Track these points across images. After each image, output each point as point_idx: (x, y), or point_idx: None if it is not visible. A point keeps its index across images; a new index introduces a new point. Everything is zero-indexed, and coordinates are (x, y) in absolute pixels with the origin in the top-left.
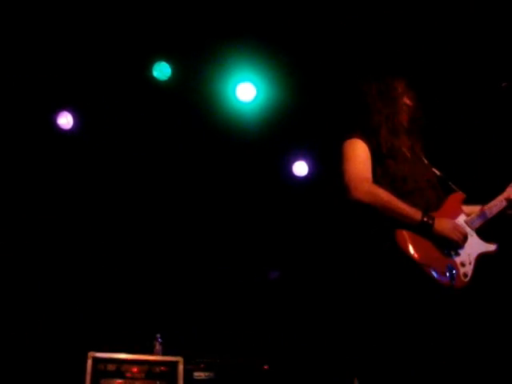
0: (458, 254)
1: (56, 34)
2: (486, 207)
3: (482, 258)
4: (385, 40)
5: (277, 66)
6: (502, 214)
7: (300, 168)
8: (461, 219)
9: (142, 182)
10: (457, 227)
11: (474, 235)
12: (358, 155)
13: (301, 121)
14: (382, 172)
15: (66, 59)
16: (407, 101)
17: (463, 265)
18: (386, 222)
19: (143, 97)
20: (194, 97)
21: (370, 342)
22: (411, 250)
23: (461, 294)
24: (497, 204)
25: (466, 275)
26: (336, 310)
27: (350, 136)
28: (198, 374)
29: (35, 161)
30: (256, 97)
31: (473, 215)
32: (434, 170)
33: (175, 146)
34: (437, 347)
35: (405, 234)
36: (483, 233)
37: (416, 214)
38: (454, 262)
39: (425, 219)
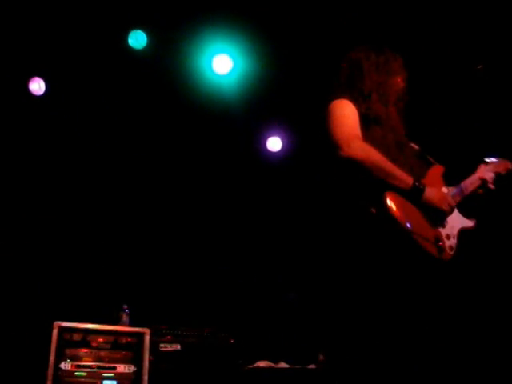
0: (443, 226)
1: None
2: (462, 184)
3: (462, 234)
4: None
5: (254, 38)
6: (475, 192)
7: (274, 143)
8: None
9: (115, 152)
10: (446, 197)
11: (455, 210)
12: (347, 114)
13: (277, 95)
14: (366, 137)
15: (41, 24)
16: (400, 80)
17: (448, 237)
18: (376, 183)
19: (118, 65)
20: (169, 67)
21: (348, 313)
22: (401, 215)
23: (446, 267)
24: (473, 182)
25: (451, 248)
26: (309, 278)
27: (339, 97)
28: (165, 346)
29: (6, 127)
30: (232, 69)
31: (452, 190)
32: (413, 145)
33: (149, 117)
34: (419, 320)
35: (395, 197)
36: (462, 208)
37: (408, 178)
38: (441, 234)
39: (416, 184)
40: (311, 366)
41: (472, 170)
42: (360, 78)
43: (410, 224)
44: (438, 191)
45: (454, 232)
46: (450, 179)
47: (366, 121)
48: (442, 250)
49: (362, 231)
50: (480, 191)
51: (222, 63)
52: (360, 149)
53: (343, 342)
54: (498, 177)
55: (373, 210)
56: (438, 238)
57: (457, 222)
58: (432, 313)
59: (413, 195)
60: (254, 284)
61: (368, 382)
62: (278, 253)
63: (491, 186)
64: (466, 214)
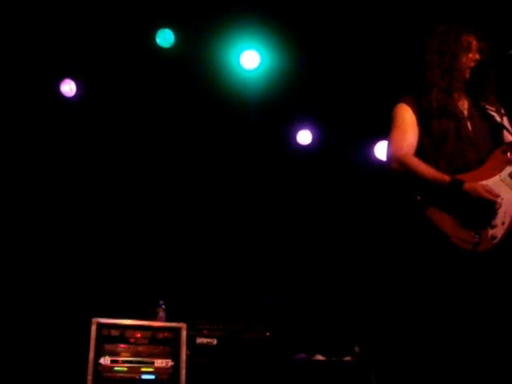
0: (493, 217)
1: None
2: None
3: None
4: None
5: (281, 33)
6: None
7: (304, 137)
8: (505, 172)
9: (145, 149)
10: (485, 187)
11: None
12: (401, 123)
13: (305, 89)
14: (425, 133)
15: (70, 26)
16: (475, 55)
17: (493, 226)
18: (418, 190)
19: (146, 64)
20: (197, 65)
21: (392, 316)
22: (436, 216)
23: (491, 256)
24: None
25: (494, 237)
26: (338, 275)
27: (400, 100)
28: (201, 341)
29: (38, 128)
30: (260, 64)
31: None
32: (496, 117)
33: (179, 115)
34: (458, 314)
35: (433, 208)
36: None
37: (444, 176)
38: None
39: (452, 187)
40: (347, 358)
41: None
42: (422, 70)
43: (449, 229)
44: (477, 186)
45: (507, 216)
46: None
47: (427, 116)
48: (478, 242)
49: (410, 240)
50: None
51: (250, 58)
52: (397, 163)
53: (382, 335)
54: None
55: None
56: (478, 232)
57: None
58: (472, 307)
59: (451, 191)
60: (288, 277)
61: (406, 375)
62: (312, 245)
63: None
64: None
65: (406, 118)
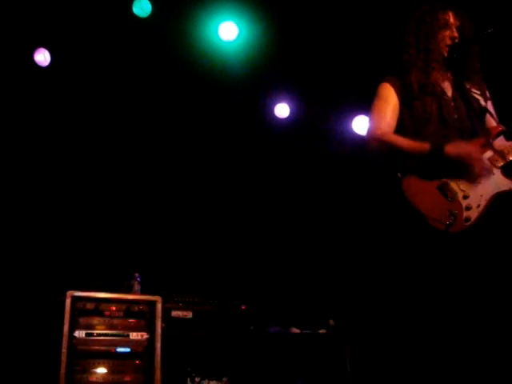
0: (466, 197)
1: None
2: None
3: (503, 197)
4: None
5: (259, 4)
6: None
7: (282, 110)
8: (486, 156)
9: (120, 120)
10: (470, 150)
11: (497, 173)
12: (382, 104)
13: (283, 61)
14: (408, 114)
15: None
16: (452, 32)
17: (468, 208)
18: (398, 165)
19: (123, 34)
20: (175, 36)
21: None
22: (413, 197)
23: (463, 237)
24: None
25: (468, 219)
26: (315, 248)
27: (383, 79)
28: (176, 313)
29: (12, 98)
30: (238, 36)
31: (505, 149)
32: (481, 101)
33: (156, 86)
34: (428, 292)
35: (411, 180)
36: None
37: (424, 147)
38: (460, 205)
39: (433, 151)
40: (322, 331)
41: None
42: (401, 52)
43: (423, 205)
44: (461, 145)
45: (482, 200)
46: None
47: (408, 97)
48: (451, 223)
49: (381, 214)
50: None
51: (228, 30)
52: (375, 141)
53: (356, 309)
54: None
55: (392, 194)
56: (452, 210)
57: (492, 186)
58: (444, 285)
59: (435, 157)
60: (265, 251)
61: (378, 348)
62: (290, 220)
63: None
64: None
65: (387, 98)
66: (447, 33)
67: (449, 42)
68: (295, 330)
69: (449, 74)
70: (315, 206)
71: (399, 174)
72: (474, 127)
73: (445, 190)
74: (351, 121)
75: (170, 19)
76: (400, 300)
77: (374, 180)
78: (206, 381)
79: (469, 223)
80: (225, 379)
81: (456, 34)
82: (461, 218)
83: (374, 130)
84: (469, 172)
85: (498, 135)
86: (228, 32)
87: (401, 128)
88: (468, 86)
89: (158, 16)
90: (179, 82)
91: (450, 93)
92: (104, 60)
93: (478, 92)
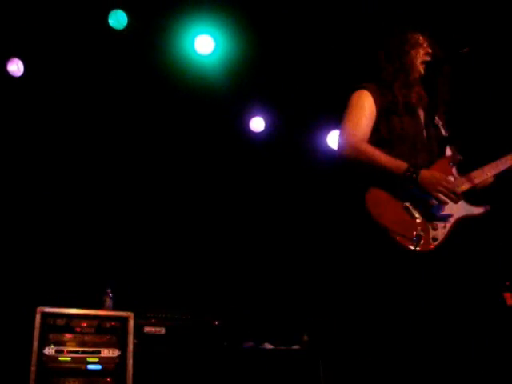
0: (431, 217)
1: None
2: (475, 171)
3: (466, 221)
4: None
5: (236, 18)
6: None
7: (257, 124)
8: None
9: (95, 134)
10: (444, 180)
11: (461, 198)
12: (358, 111)
13: (259, 75)
14: (384, 128)
15: (20, 4)
16: (426, 49)
17: (435, 228)
18: (370, 178)
19: (98, 45)
20: (151, 48)
21: (329, 301)
22: (377, 211)
23: (430, 257)
24: (498, 164)
25: (435, 239)
26: (288, 264)
27: (362, 86)
28: (149, 329)
29: None
30: (215, 50)
31: (465, 176)
32: (442, 130)
33: (130, 98)
34: (396, 307)
35: (377, 193)
36: (474, 196)
37: (401, 166)
38: (425, 225)
39: (407, 172)
40: (295, 347)
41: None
42: (380, 68)
43: (386, 219)
44: (435, 173)
45: (448, 222)
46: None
47: (386, 112)
48: (418, 241)
49: (343, 226)
50: None
51: (205, 43)
52: (351, 150)
53: (327, 325)
54: None
55: (357, 206)
56: (419, 230)
57: (456, 210)
58: (411, 301)
59: (408, 180)
60: (237, 266)
61: (351, 362)
62: (262, 233)
63: None
64: (477, 200)
65: (366, 106)
66: (421, 50)
67: (425, 58)
68: (269, 346)
69: (424, 94)
70: (291, 221)
71: (366, 186)
72: (439, 154)
73: (411, 210)
74: (326, 136)
75: (147, 32)
76: (362, 314)
77: (340, 194)
78: None
79: (436, 243)
80: None
81: (430, 51)
82: (428, 237)
83: (349, 136)
84: (437, 197)
85: (456, 164)
86: (204, 45)
87: (374, 139)
88: (436, 112)
89: (135, 28)
90: (155, 95)
91: (422, 116)
92: (79, 72)
93: (441, 122)
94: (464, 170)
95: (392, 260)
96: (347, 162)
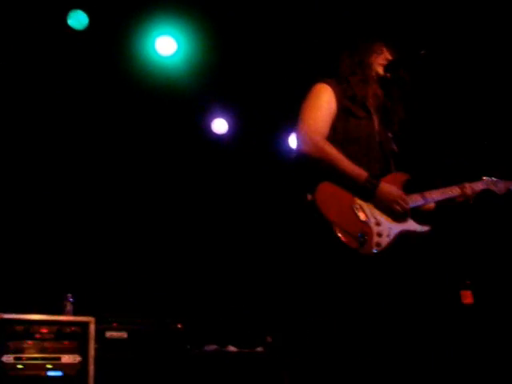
0: (378, 224)
1: None
2: (429, 192)
3: (411, 237)
4: None
5: (198, 19)
6: (448, 201)
7: (219, 125)
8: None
9: (53, 135)
10: (401, 198)
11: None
12: (320, 105)
13: (222, 77)
14: (341, 127)
15: None
16: (387, 56)
17: (380, 235)
18: (329, 178)
19: (57, 46)
20: (112, 48)
21: (283, 298)
22: (326, 205)
23: (372, 261)
24: (444, 192)
25: (378, 245)
26: (249, 265)
27: (322, 80)
28: (111, 334)
29: None
30: (177, 51)
31: (411, 196)
32: (393, 144)
33: (91, 99)
34: (341, 305)
35: (328, 188)
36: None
37: (362, 174)
38: (371, 229)
39: (369, 180)
40: (259, 349)
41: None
42: (340, 64)
43: (333, 215)
44: (394, 190)
45: (392, 232)
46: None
47: (344, 110)
48: (362, 243)
49: (297, 219)
50: (459, 200)
51: (166, 45)
52: (316, 146)
53: (288, 326)
54: (489, 195)
55: (308, 197)
56: (365, 233)
57: (403, 222)
58: (352, 298)
59: (365, 190)
60: (198, 269)
61: (305, 362)
62: (223, 235)
63: (470, 201)
64: (424, 219)
65: (327, 101)
66: (382, 55)
67: (384, 62)
68: (232, 349)
69: (380, 94)
70: (253, 222)
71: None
72: (388, 165)
73: (358, 212)
74: (288, 137)
75: (108, 32)
76: (308, 311)
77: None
78: None
79: (380, 248)
80: None
81: (390, 58)
82: (371, 241)
83: (312, 132)
84: (390, 211)
85: (403, 181)
86: (166, 47)
87: (330, 136)
88: (389, 123)
89: (95, 29)
90: (116, 96)
91: (377, 123)
92: (38, 73)
93: (391, 136)
94: (408, 189)
95: (334, 257)
96: (307, 159)
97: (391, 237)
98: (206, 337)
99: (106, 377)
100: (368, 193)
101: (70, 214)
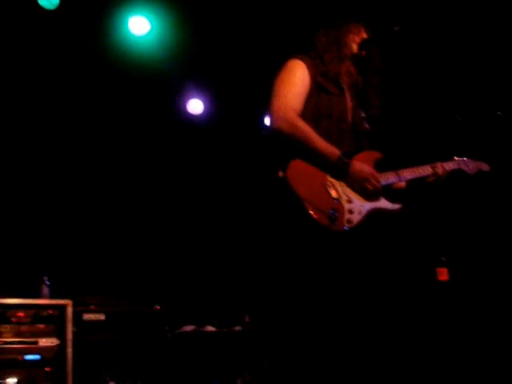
0: (350, 201)
1: None
2: (402, 170)
3: (382, 215)
4: None
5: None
6: (420, 180)
7: (195, 106)
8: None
9: (25, 116)
10: (374, 175)
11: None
12: (293, 81)
13: (197, 57)
14: (313, 103)
15: None
16: (362, 35)
17: (351, 212)
18: (302, 155)
19: (28, 26)
20: (84, 28)
21: (259, 277)
22: (296, 182)
23: (342, 238)
24: (417, 171)
25: (350, 222)
26: (227, 244)
27: (295, 56)
28: (88, 317)
29: None
30: (150, 31)
31: (384, 174)
32: (365, 122)
33: (63, 80)
34: (314, 281)
35: (299, 165)
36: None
37: (334, 152)
38: (342, 207)
39: (342, 158)
40: (237, 328)
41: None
42: (314, 41)
43: (305, 192)
44: (366, 168)
45: (364, 209)
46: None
47: (318, 86)
48: (333, 220)
49: (268, 196)
50: (430, 180)
51: (139, 25)
52: (289, 123)
53: (263, 305)
54: (460, 175)
55: (280, 174)
56: (336, 210)
57: (375, 200)
58: (324, 276)
59: (338, 169)
60: (176, 250)
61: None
62: (200, 216)
63: (441, 180)
64: (395, 197)
65: (300, 77)
66: (358, 35)
67: (360, 40)
68: (210, 329)
69: (353, 72)
70: (228, 203)
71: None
72: (360, 143)
73: (330, 189)
74: (264, 117)
75: (79, 12)
76: (280, 289)
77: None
78: None
79: (351, 225)
80: (139, 382)
81: (366, 36)
82: (343, 218)
83: (285, 108)
84: (362, 189)
85: (376, 160)
86: (139, 26)
87: (302, 113)
88: (362, 101)
89: (66, 8)
90: (89, 76)
91: (349, 101)
92: (8, 53)
93: (365, 115)
94: (380, 167)
95: (305, 234)
96: (280, 136)
97: (362, 214)
98: (184, 317)
99: (85, 359)
100: (340, 171)
101: (43, 196)
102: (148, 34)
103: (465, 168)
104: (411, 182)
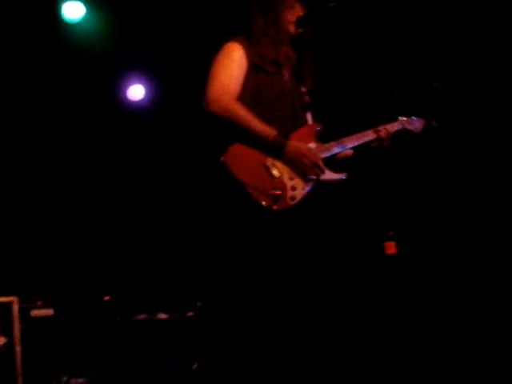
0: (292, 178)
1: None
2: (344, 139)
3: (328, 187)
4: None
5: None
6: (365, 146)
7: (135, 92)
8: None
9: None
10: (309, 151)
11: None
12: (229, 64)
13: (135, 41)
14: (251, 86)
15: None
16: (298, 12)
17: (294, 188)
18: (240, 139)
19: None
20: (16, 13)
21: (207, 263)
22: (236, 166)
23: (288, 215)
24: (360, 137)
25: (293, 198)
26: (173, 230)
27: (232, 38)
28: (36, 313)
29: None
30: (85, 16)
31: (327, 144)
32: (305, 96)
33: None
34: (259, 266)
35: (238, 149)
36: (336, 164)
37: (270, 134)
38: (284, 185)
39: (276, 139)
40: (190, 314)
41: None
42: (251, 22)
43: (244, 175)
44: (302, 146)
45: (307, 184)
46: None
47: (255, 67)
48: (276, 199)
49: (211, 180)
50: (374, 144)
51: (74, 9)
52: (224, 107)
53: (212, 290)
54: (406, 134)
55: (222, 159)
56: (278, 188)
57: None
58: (269, 256)
59: (274, 149)
60: (122, 238)
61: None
62: (145, 204)
63: (385, 143)
64: (342, 167)
65: (237, 60)
66: (293, 10)
67: (295, 19)
68: (162, 316)
69: (292, 55)
70: (173, 189)
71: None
72: (301, 119)
73: (271, 170)
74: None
75: None
76: (224, 270)
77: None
78: (74, 379)
79: (295, 202)
80: (93, 374)
81: (301, 13)
82: (286, 196)
83: (220, 92)
84: (301, 165)
85: (317, 132)
86: (73, 11)
87: (240, 95)
88: (301, 77)
89: None
90: (24, 63)
91: (288, 78)
92: None
93: (305, 89)
94: (323, 138)
95: (249, 217)
96: (214, 119)
97: (306, 189)
98: (135, 306)
99: (35, 357)
100: (277, 151)
101: None
102: (83, 18)
103: (410, 127)
104: (356, 150)
